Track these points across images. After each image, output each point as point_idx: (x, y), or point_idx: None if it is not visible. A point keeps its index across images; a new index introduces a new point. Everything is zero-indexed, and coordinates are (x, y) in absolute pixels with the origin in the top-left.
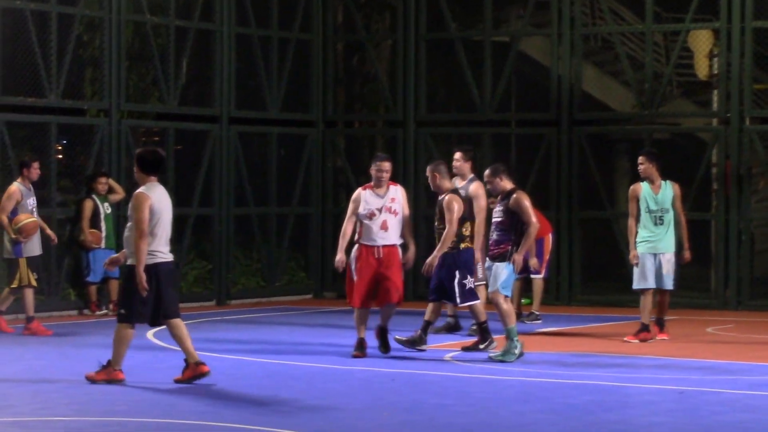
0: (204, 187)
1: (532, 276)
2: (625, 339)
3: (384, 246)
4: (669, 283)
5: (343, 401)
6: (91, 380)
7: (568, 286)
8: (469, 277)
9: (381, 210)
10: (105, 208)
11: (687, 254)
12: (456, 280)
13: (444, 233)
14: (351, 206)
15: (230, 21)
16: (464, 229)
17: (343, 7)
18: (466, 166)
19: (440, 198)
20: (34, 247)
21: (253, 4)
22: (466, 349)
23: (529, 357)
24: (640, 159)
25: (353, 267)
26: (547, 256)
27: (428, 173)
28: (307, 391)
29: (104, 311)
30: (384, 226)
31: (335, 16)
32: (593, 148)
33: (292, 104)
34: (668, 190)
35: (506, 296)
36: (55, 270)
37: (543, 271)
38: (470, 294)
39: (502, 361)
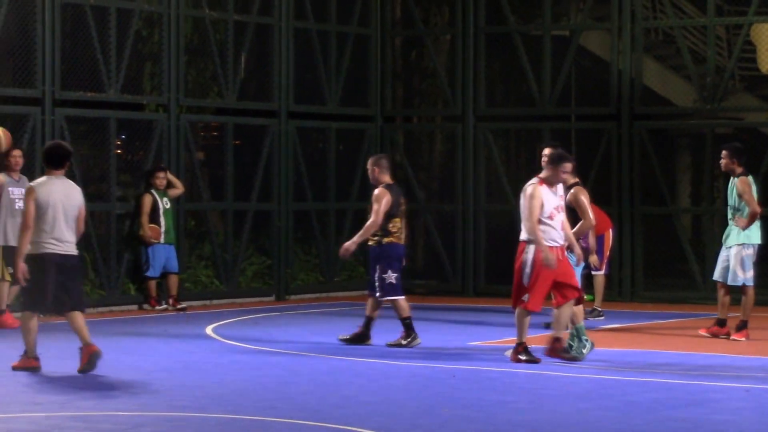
0: (263, 182)
1: (593, 272)
2: (700, 331)
3: (560, 246)
4: (733, 279)
5: (403, 397)
6: (15, 368)
7: (630, 283)
8: (389, 272)
9: (558, 209)
10: (164, 203)
11: None
12: (377, 274)
13: (368, 223)
14: (534, 202)
15: (288, 15)
16: (391, 225)
17: (402, 2)
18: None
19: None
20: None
21: None
22: (390, 345)
23: (592, 354)
24: (723, 153)
25: (527, 270)
26: (607, 253)
27: (369, 166)
28: (367, 387)
29: (164, 306)
30: (562, 227)
31: (393, 10)
32: (654, 143)
33: (351, 99)
34: (732, 185)
35: None
36: (115, 265)
37: (603, 268)
38: (391, 289)
39: (573, 359)
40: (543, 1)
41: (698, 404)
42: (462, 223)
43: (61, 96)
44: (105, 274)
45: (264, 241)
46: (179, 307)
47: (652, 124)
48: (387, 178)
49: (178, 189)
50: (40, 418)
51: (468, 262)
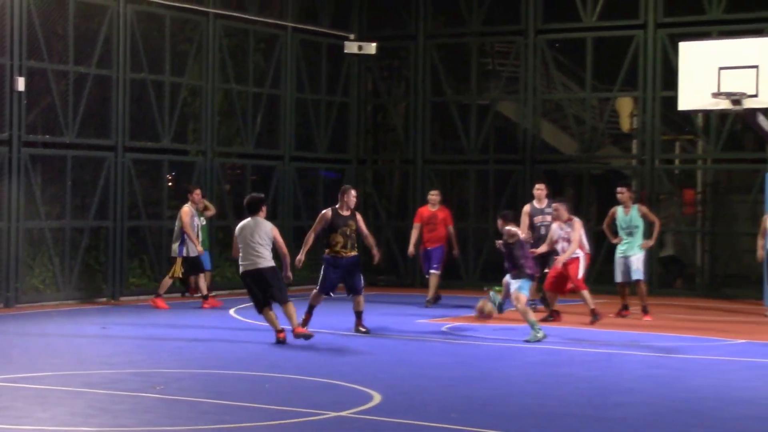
0: (271, 207)
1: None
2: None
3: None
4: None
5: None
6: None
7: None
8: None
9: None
10: (200, 221)
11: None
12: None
13: (306, 236)
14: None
15: (292, 87)
16: (331, 239)
17: (372, 78)
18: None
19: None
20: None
21: (308, 76)
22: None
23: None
24: (620, 189)
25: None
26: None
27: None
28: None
29: (199, 296)
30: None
31: (366, 85)
32: (549, 180)
33: (335, 147)
34: (635, 211)
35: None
36: (165, 264)
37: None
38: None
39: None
40: (471, 79)
41: (575, 364)
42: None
43: (129, 144)
44: (158, 270)
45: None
46: (211, 296)
47: (547, 167)
48: (338, 204)
49: (211, 211)
50: (109, 374)
51: (416, 262)
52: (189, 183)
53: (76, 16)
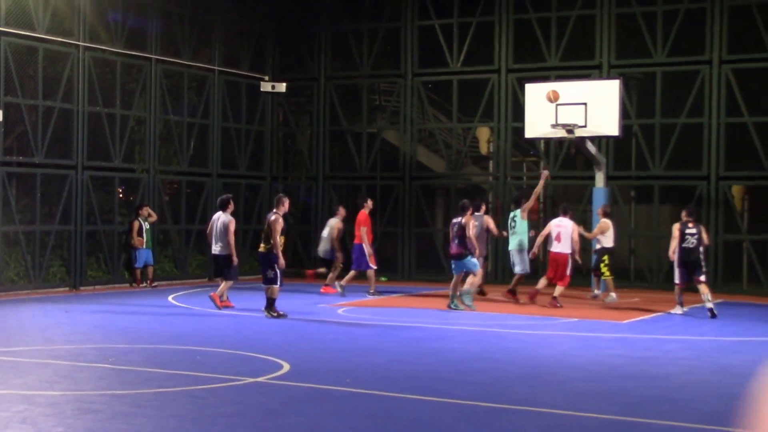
0: (201, 216)
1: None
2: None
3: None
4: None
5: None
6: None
7: (407, 270)
8: (269, 270)
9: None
10: (146, 226)
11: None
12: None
13: (274, 240)
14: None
15: (219, 118)
16: (280, 239)
17: (282, 112)
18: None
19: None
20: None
21: (231, 109)
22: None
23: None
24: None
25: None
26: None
27: (277, 200)
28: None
29: (143, 285)
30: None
31: (278, 117)
32: (424, 193)
33: (253, 166)
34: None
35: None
36: (117, 260)
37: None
38: (270, 280)
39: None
40: (362, 112)
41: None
42: (316, 236)
43: (88, 164)
44: (110, 265)
45: (203, 246)
46: (153, 285)
47: (423, 182)
48: (284, 209)
49: (153, 218)
50: (71, 349)
51: (318, 258)
52: (135, 196)
53: (44, 61)
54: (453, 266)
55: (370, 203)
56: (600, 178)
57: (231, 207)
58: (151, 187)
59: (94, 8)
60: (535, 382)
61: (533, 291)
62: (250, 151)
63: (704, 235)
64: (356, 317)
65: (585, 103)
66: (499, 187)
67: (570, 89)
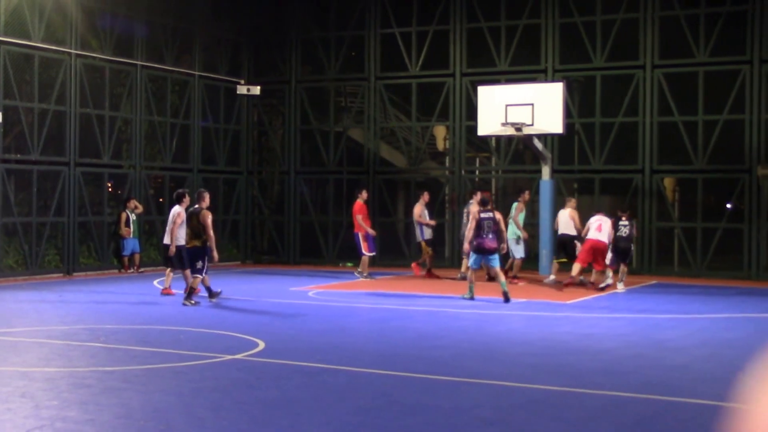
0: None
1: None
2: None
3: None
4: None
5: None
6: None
7: (379, 257)
8: (200, 261)
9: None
10: (132, 217)
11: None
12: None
13: (208, 235)
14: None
15: (199, 118)
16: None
17: (257, 112)
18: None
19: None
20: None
21: (210, 110)
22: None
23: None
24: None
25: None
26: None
27: (198, 195)
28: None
29: (131, 271)
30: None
31: (253, 117)
32: (387, 187)
33: (231, 162)
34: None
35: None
36: (107, 249)
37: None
38: (198, 270)
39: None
40: (329, 112)
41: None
42: (289, 225)
43: (80, 161)
44: (100, 253)
45: None
46: (140, 271)
47: (385, 177)
48: (205, 204)
49: (140, 209)
50: (65, 329)
51: (291, 245)
52: (123, 190)
53: (40, 67)
54: (481, 259)
55: (365, 194)
56: (546, 172)
57: (186, 201)
58: (137, 181)
59: (85, 19)
60: (489, 356)
61: (569, 279)
62: (228, 148)
63: (634, 229)
64: (325, 299)
65: (532, 104)
66: (455, 180)
67: (518, 91)
